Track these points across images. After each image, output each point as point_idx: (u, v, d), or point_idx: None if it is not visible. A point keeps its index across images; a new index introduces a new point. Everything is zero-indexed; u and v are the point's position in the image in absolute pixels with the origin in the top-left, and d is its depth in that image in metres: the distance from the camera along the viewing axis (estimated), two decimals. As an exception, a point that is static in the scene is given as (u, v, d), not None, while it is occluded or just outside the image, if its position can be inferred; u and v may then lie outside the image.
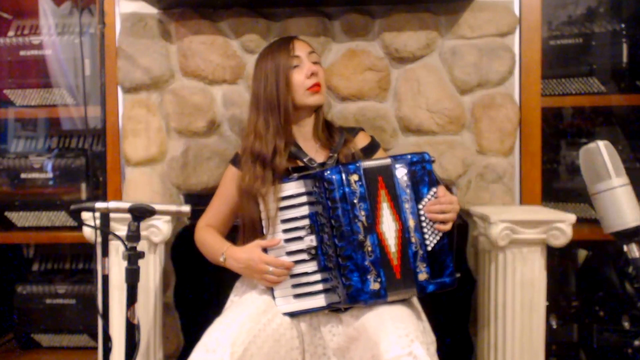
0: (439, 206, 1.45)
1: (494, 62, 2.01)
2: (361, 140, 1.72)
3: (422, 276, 1.43)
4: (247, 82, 2.02)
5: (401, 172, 1.45)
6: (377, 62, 2.04)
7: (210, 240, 1.64)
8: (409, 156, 1.47)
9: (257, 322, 1.40)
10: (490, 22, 2.02)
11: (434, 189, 1.47)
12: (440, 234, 1.46)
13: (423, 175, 1.47)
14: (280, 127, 1.58)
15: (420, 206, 1.46)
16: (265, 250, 1.50)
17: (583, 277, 2.30)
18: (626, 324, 2.12)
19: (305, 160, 1.60)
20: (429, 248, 1.45)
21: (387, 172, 1.45)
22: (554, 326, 2.21)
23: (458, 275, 1.47)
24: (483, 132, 2.03)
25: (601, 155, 1.35)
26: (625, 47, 2.21)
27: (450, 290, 1.46)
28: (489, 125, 2.02)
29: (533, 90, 2.04)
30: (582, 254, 2.35)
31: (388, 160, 1.46)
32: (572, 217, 1.72)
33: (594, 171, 1.36)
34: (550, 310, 2.11)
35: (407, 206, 1.44)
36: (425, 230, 1.45)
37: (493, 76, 2.02)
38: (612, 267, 2.18)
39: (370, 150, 1.71)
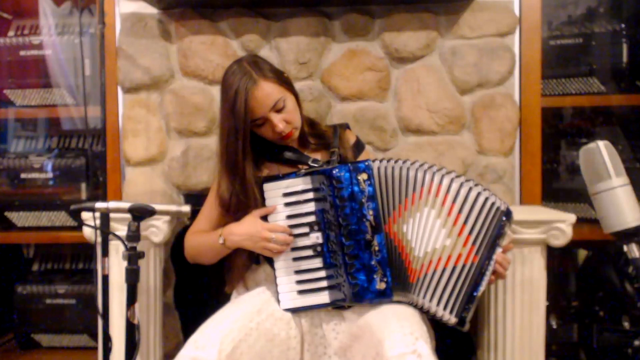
0: (507, 263, 1.44)
1: (494, 62, 2.01)
2: (351, 136, 1.73)
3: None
4: (247, 82, 2.02)
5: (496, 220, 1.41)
6: (377, 62, 2.04)
7: (202, 237, 1.61)
8: (510, 209, 1.42)
9: (250, 320, 1.39)
10: (490, 22, 2.02)
11: (501, 248, 1.44)
12: (486, 284, 1.43)
13: (503, 230, 1.43)
14: (240, 193, 1.53)
15: (494, 256, 1.42)
16: (264, 218, 1.49)
17: (583, 277, 2.30)
18: (626, 324, 2.11)
19: (309, 162, 1.59)
20: (478, 294, 1.41)
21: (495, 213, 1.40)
22: (554, 326, 2.20)
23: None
24: (483, 132, 2.03)
25: (601, 155, 1.35)
26: (625, 47, 2.21)
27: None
28: (489, 125, 2.02)
29: (533, 90, 2.04)
30: (582, 254, 2.35)
31: (505, 208, 1.41)
32: (572, 217, 1.72)
33: (594, 171, 1.36)
34: (550, 310, 2.11)
35: (486, 251, 1.40)
36: (484, 277, 1.42)
37: (493, 76, 2.02)
38: (612, 267, 2.17)
39: (357, 148, 1.71)
